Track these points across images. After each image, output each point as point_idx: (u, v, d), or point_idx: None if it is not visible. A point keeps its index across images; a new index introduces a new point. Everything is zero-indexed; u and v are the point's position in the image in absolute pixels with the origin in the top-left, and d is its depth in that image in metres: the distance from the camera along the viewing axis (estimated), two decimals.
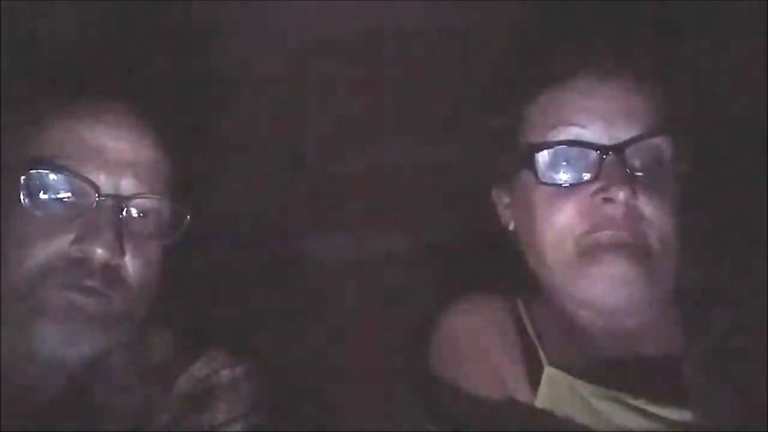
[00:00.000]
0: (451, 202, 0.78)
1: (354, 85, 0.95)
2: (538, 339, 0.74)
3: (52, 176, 0.64)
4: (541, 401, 0.70)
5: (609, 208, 0.66)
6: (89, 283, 0.63)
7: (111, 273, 0.64)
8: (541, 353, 0.72)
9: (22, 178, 0.63)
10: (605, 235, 0.66)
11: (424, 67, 0.94)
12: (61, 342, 0.62)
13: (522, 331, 0.76)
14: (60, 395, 0.66)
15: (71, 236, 0.63)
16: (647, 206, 0.66)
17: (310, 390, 0.90)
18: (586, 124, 0.68)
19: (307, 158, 1.01)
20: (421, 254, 1.04)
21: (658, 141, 0.68)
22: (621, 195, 0.65)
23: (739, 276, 0.69)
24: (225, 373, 0.71)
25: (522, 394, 0.72)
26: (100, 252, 0.63)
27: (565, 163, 0.68)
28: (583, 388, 0.68)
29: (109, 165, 0.66)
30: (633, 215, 0.66)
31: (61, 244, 0.63)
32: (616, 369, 0.69)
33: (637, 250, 0.66)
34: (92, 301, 0.63)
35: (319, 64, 0.94)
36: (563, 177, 0.68)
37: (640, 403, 0.65)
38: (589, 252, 0.67)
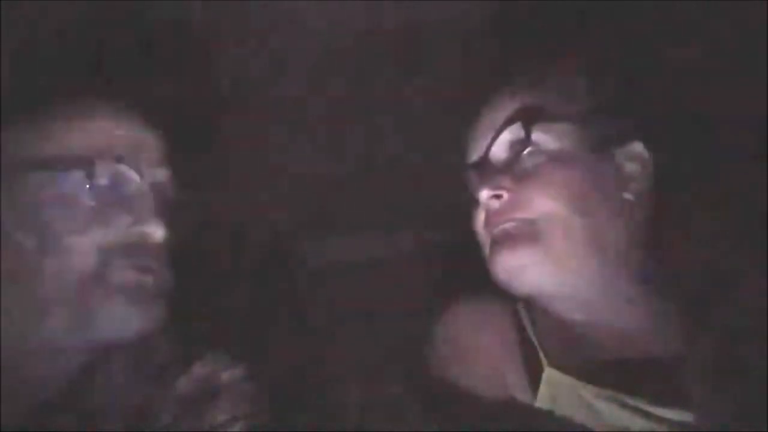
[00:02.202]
0: (451, 202, 0.78)
1: (351, 86, 0.95)
2: (538, 339, 0.74)
3: (103, 167, 0.67)
4: (541, 401, 0.70)
5: (491, 205, 0.73)
6: (146, 262, 0.67)
7: (159, 252, 0.69)
8: (541, 354, 0.73)
9: (81, 169, 0.66)
10: (494, 231, 0.73)
11: (423, 67, 0.94)
12: (124, 316, 0.65)
13: (522, 332, 0.76)
14: (60, 394, 0.66)
15: (127, 220, 0.67)
16: (522, 195, 0.71)
17: (310, 390, 0.90)
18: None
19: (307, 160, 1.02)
20: (421, 255, 1.04)
21: (515, 134, 0.73)
22: (486, 193, 0.72)
23: (738, 276, 0.69)
24: (225, 374, 0.72)
25: (522, 394, 0.72)
26: (156, 232, 0.68)
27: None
28: (583, 388, 0.68)
29: (144, 157, 0.70)
30: (509, 206, 0.72)
31: (119, 228, 0.67)
32: (616, 369, 0.69)
33: (520, 236, 0.71)
34: (149, 279, 0.68)
35: (318, 65, 0.93)
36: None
37: (639, 404, 0.65)
38: (490, 249, 0.73)
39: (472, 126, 0.79)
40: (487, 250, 0.75)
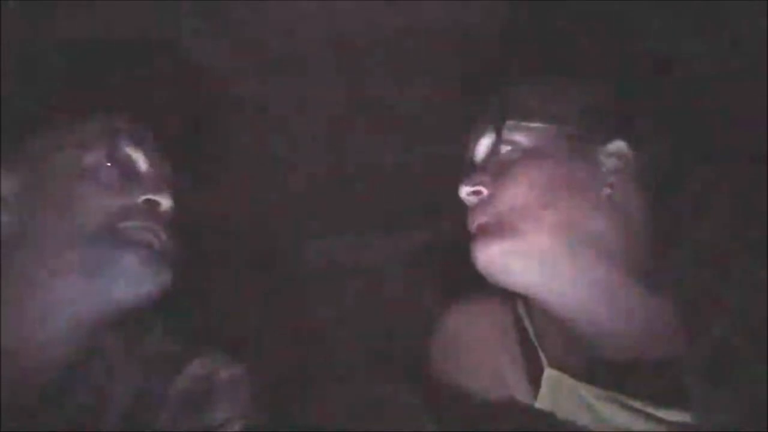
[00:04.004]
0: (451, 203, 0.79)
1: (351, 86, 0.95)
2: (538, 340, 0.74)
3: (119, 147, 0.75)
4: (541, 402, 0.70)
5: (471, 201, 0.76)
6: (155, 225, 0.73)
7: (166, 222, 0.74)
8: (541, 354, 0.73)
9: (112, 141, 0.74)
10: (473, 226, 0.75)
11: (423, 68, 0.94)
12: (139, 268, 0.69)
13: (522, 332, 0.76)
14: (57, 393, 0.67)
15: (138, 191, 0.73)
16: (497, 190, 0.73)
17: (309, 390, 0.90)
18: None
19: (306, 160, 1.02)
20: (421, 255, 1.04)
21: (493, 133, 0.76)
22: (465, 189, 0.75)
23: (738, 277, 0.69)
24: (224, 373, 0.72)
25: (522, 394, 0.72)
26: (163, 201, 0.74)
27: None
28: (584, 389, 0.68)
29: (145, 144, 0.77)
30: (485, 201, 0.74)
31: (131, 197, 0.73)
32: (616, 370, 0.68)
33: (495, 230, 0.72)
34: (157, 241, 0.72)
35: (316, 63, 0.93)
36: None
37: (639, 405, 0.65)
38: (472, 244, 0.74)
39: (469, 127, 0.81)
40: None
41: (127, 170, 0.75)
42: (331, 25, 0.89)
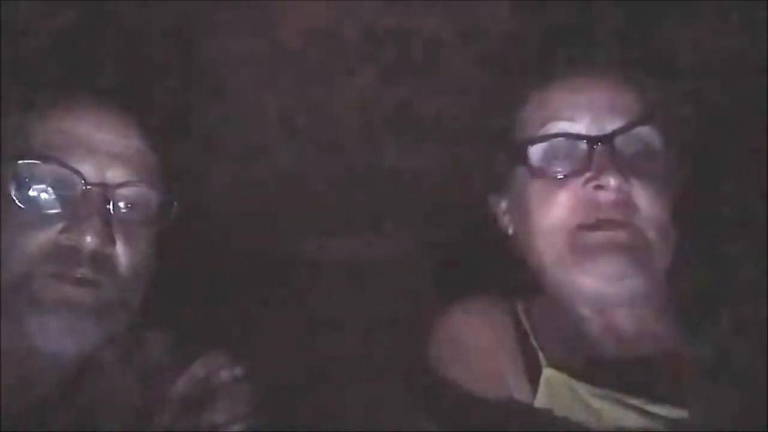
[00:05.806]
0: (451, 204, 0.79)
1: (351, 85, 0.95)
2: (537, 340, 0.74)
3: (38, 167, 0.64)
4: (540, 401, 0.70)
5: (601, 196, 0.66)
6: (80, 273, 0.63)
7: (101, 261, 0.64)
8: (540, 354, 0.72)
9: (10, 170, 0.64)
10: (601, 230, 0.66)
11: (423, 68, 0.94)
12: (56, 334, 0.62)
13: (521, 332, 0.76)
14: (55, 394, 0.66)
15: (60, 226, 0.63)
16: (639, 195, 0.66)
17: (309, 390, 0.90)
18: (574, 118, 0.69)
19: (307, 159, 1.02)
20: (421, 256, 1.04)
21: (646, 131, 0.68)
22: (612, 181, 0.65)
23: (738, 276, 0.69)
24: (224, 374, 0.71)
25: (521, 394, 0.72)
26: (89, 240, 0.63)
27: (556, 156, 0.69)
28: (582, 388, 0.68)
29: (95, 155, 0.66)
30: (625, 203, 0.66)
31: (49, 234, 0.63)
32: (614, 369, 0.69)
33: (632, 243, 0.65)
34: (84, 291, 0.63)
35: (316, 60, 0.93)
36: (556, 169, 0.69)
37: (638, 403, 0.65)
38: (585, 247, 0.66)
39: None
40: (559, 244, 0.68)
41: (47, 195, 0.63)
42: (334, 24, 0.89)
